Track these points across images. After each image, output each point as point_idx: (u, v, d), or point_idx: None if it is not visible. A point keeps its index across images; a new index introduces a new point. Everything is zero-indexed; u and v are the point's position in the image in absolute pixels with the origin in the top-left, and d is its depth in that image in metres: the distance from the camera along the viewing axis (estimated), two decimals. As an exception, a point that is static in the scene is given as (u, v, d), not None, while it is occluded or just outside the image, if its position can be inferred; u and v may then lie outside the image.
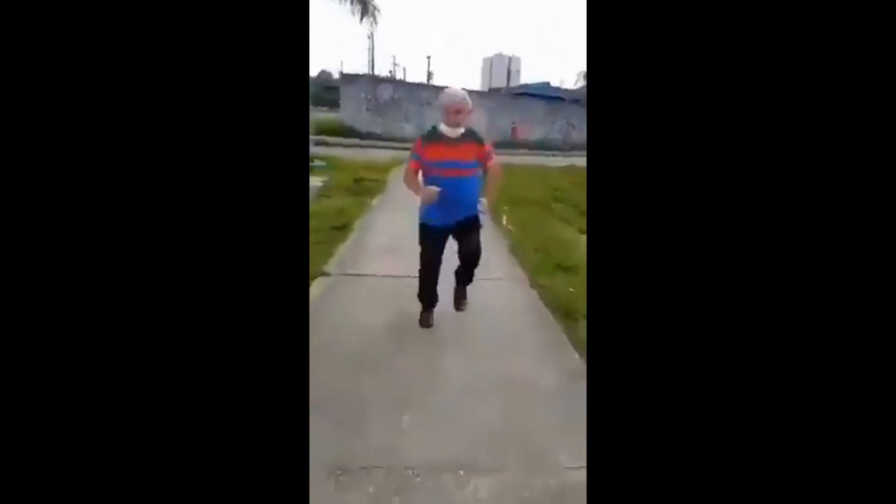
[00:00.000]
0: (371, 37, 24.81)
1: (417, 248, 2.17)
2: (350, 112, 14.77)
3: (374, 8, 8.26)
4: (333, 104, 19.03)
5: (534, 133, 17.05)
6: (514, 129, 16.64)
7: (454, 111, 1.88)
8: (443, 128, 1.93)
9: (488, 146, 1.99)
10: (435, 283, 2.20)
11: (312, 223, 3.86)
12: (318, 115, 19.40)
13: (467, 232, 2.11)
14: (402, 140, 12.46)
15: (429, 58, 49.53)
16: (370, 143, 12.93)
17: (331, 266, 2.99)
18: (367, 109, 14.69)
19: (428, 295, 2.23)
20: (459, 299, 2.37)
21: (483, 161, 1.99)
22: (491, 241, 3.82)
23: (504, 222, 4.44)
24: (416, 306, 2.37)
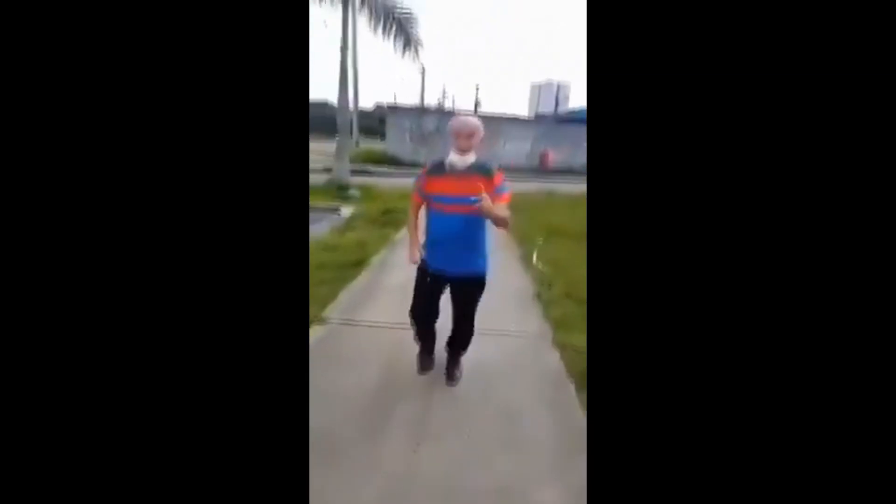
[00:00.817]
0: (422, 70, 25.86)
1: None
2: (394, 142, 15.20)
3: (417, 42, 8.38)
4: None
5: (580, 158, 16.39)
6: (543, 156, 15.82)
7: (466, 135, 1.68)
8: (451, 157, 1.72)
9: (500, 178, 1.74)
10: (430, 328, 2.02)
11: (326, 258, 3.69)
12: (366, 145, 20.34)
13: (465, 294, 1.87)
14: (444, 168, 12.60)
15: (477, 87, 50.83)
16: (412, 171, 13.08)
17: (332, 310, 2.74)
18: (411, 139, 15.01)
19: (423, 339, 2.06)
20: (452, 371, 2.05)
21: (493, 196, 1.72)
22: (516, 283, 3.41)
23: (534, 260, 3.99)
24: (414, 364, 2.04)
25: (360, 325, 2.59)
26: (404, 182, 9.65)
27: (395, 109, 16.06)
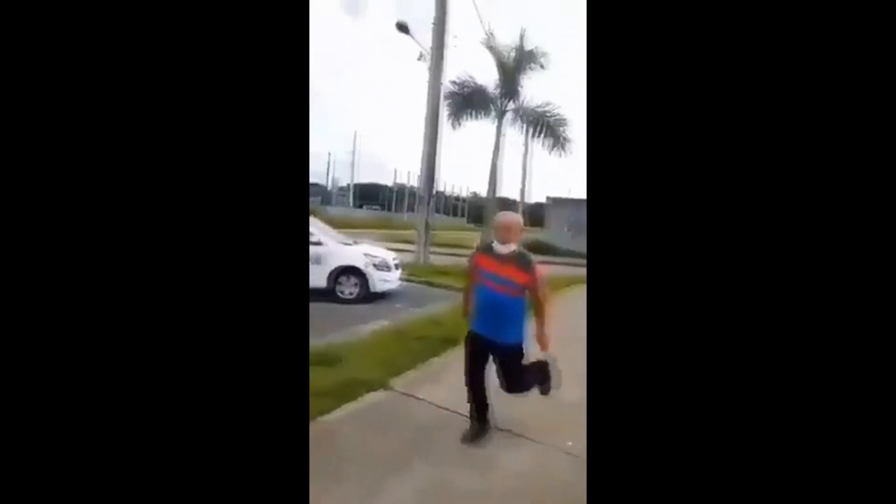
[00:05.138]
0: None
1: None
2: (552, 232, 15.52)
3: (565, 139, 8.84)
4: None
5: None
6: None
7: (504, 229, 2.06)
8: (495, 245, 2.10)
9: (536, 275, 2.04)
10: (478, 394, 2.20)
11: (427, 332, 3.94)
12: (527, 235, 21.17)
13: (505, 361, 2.13)
14: (600, 258, 12.07)
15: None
16: (566, 260, 12.79)
17: (400, 381, 2.88)
18: (568, 229, 15.00)
19: (472, 405, 2.22)
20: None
21: (530, 288, 2.05)
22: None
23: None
24: (446, 457, 2.03)
25: (416, 399, 2.64)
26: (555, 270, 9.49)
27: (556, 201, 16.66)
